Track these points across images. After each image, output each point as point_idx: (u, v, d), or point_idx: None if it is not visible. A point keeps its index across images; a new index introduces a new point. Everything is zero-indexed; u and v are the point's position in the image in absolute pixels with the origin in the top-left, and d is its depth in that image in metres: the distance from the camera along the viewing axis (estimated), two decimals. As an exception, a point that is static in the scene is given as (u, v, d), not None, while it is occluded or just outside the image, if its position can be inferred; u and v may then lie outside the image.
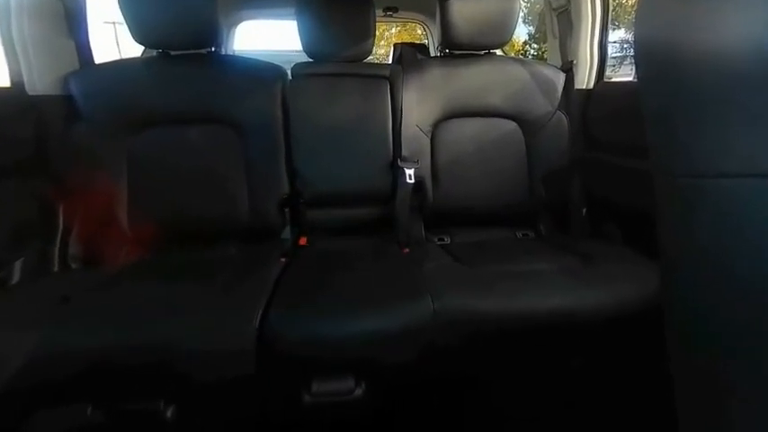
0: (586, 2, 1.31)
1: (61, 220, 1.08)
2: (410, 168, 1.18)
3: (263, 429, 0.80)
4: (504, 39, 1.26)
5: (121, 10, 1.06)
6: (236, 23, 2.41)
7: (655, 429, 0.56)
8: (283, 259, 1.03)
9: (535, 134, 1.27)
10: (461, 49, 1.26)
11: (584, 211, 1.29)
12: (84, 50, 1.19)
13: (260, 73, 1.20)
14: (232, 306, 0.78)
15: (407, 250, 1.13)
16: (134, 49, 1.39)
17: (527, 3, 9.28)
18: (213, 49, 1.19)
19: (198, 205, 1.15)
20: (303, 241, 1.23)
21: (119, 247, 1.09)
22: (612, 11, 1.28)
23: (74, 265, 1.07)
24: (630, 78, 1.71)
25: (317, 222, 1.25)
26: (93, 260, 1.06)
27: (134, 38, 1.10)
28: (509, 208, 1.29)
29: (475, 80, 1.26)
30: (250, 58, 1.24)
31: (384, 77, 1.26)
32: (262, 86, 1.18)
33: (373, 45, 1.27)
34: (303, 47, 1.24)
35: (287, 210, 1.24)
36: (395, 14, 2.44)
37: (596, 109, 1.30)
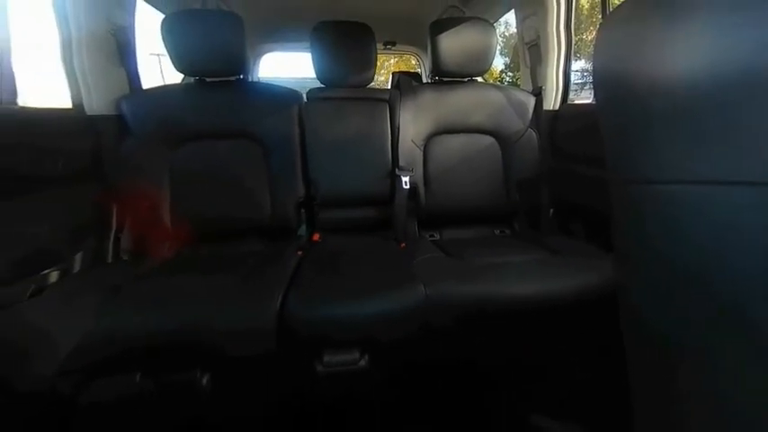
0: (553, 37, 1.28)
1: (114, 219, 1.05)
2: (406, 176, 1.16)
3: (284, 394, 0.79)
4: (484, 68, 1.23)
5: (165, 44, 1.06)
6: (260, 55, 2.42)
7: (615, 396, 0.52)
8: (299, 252, 1.01)
9: (510, 147, 1.23)
10: (449, 76, 1.24)
11: (552, 212, 1.25)
12: (133, 77, 1.16)
13: (280, 96, 1.17)
14: (256, 292, 0.76)
15: (404, 245, 1.10)
16: (175, 77, 1.37)
17: (503, 38, 9.28)
18: (241, 76, 1.16)
19: (228, 208, 1.11)
20: (316, 237, 1.20)
21: (162, 243, 1.07)
22: (575, 45, 1.28)
23: (124, 258, 1.05)
24: (590, 101, 1.55)
25: (327, 221, 1.21)
26: (141, 253, 1.04)
27: (175, 67, 1.09)
28: (489, 209, 1.25)
29: (460, 102, 1.22)
30: (272, 84, 1.21)
31: (384, 100, 1.23)
32: (282, 108, 1.15)
33: (375, 73, 1.24)
34: (316, 74, 1.21)
35: (303, 211, 1.21)
36: (393, 47, 2.41)
37: (561, 126, 1.27)
